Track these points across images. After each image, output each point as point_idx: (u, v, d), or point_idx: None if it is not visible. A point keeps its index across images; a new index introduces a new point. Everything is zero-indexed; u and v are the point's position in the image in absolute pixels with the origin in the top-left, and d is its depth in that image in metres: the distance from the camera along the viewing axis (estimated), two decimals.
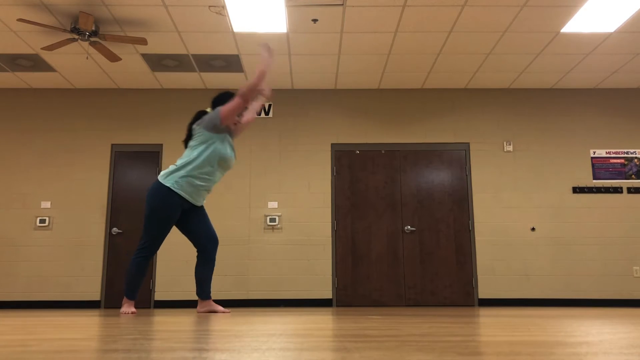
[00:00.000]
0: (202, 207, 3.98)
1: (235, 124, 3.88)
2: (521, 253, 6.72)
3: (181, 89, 7.13)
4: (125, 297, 3.81)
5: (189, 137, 3.88)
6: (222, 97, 3.93)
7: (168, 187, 3.72)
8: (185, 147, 3.90)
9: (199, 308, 3.99)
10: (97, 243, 6.70)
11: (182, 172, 3.74)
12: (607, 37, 5.74)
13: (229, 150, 3.85)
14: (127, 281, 3.78)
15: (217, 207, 6.80)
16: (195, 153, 3.76)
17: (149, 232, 3.78)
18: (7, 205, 6.77)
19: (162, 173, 3.82)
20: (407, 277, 6.70)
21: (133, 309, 3.79)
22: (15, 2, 5.01)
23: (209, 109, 3.92)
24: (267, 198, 6.83)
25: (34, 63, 6.32)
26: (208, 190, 3.89)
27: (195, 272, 3.96)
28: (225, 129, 3.83)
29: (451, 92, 7.16)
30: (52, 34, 5.64)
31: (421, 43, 5.88)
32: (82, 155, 6.92)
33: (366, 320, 2.51)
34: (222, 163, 3.82)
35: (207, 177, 3.79)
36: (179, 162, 3.80)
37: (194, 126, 3.83)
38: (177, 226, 3.98)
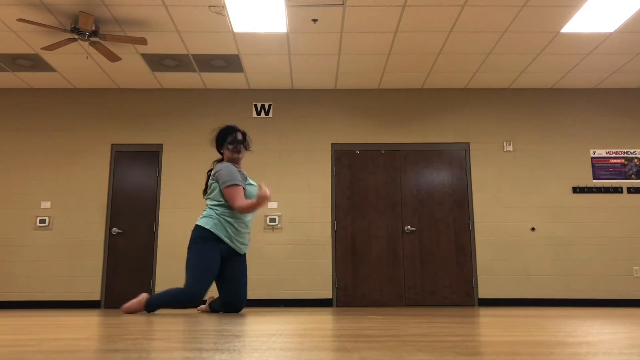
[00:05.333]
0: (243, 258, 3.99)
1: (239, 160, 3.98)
2: (521, 253, 6.72)
3: (181, 89, 7.13)
4: (145, 304, 3.71)
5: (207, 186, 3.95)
6: (220, 136, 3.94)
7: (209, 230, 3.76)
8: (204, 194, 3.97)
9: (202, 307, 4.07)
10: (97, 243, 6.70)
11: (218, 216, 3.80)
12: (607, 37, 5.74)
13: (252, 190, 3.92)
14: (162, 300, 3.69)
15: None
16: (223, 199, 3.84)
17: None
18: (7, 205, 6.77)
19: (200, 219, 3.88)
20: (407, 277, 6.70)
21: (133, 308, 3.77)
22: (15, 2, 5.01)
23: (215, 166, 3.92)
24: None
25: (34, 63, 6.32)
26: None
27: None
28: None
29: (451, 92, 7.16)
30: (52, 34, 5.64)
31: (421, 43, 5.87)
32: (82, 155, 6.92)
33: (366, 320, 2.51)
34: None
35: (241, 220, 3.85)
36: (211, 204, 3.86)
37: (211, 180, 3.87)
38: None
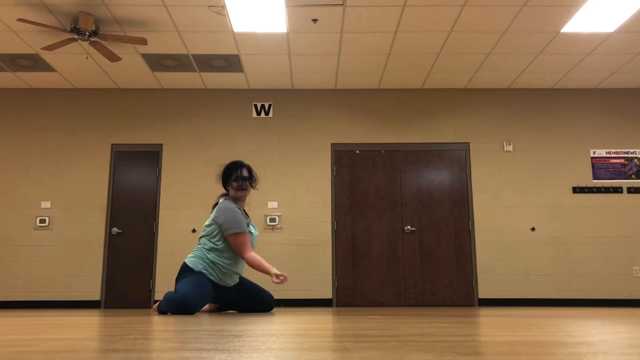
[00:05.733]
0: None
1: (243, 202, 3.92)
2: (521, 253, 6.72)
3: (181, 89, 7.13)
4: (158, 306, 3.73)
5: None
6: (226, 173, 3.89)
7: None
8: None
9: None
10: (97, 243, 6.71)
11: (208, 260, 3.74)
12: (607, 37, 5.74)
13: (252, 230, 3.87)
14: (163, 304, 3.64)
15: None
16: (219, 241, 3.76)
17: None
18: (7, 205, 6.77)
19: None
20: (407, 277, 6.70)
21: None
22: (15, 2, 5.01)
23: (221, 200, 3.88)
24: (267, 198, 6.83)
25: (34, 63, 6.32)
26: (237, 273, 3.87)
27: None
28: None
29: (451, 92, 7.16)
30: (52, 34, 5.64)
31: (421, 43, 5.87)
32: (82, 155, 6.92)
33: (366, 320, 2.51)
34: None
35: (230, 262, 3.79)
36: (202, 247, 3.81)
37: (212, 221, 3.78)
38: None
